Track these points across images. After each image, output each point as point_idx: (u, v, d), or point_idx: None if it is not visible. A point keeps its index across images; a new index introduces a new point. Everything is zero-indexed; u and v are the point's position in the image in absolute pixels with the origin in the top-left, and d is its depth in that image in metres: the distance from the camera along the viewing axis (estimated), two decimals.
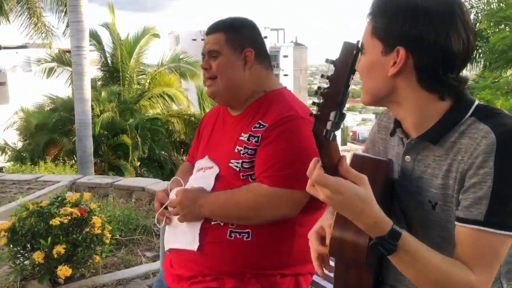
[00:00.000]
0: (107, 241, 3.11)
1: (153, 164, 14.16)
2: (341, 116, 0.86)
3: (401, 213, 1.21)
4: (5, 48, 28.82)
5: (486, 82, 8.58)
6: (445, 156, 1.09)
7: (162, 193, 1.77)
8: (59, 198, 3.10)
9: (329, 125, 0.86)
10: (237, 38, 1.66)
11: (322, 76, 0.87)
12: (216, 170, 1.66)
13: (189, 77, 16.35)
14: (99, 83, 16.21)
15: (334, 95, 0.85)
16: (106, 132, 13.34)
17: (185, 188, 1.68)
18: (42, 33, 12.16)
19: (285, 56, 48.08)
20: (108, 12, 15.11)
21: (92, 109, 11.60)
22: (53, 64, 15.57)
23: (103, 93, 14.24)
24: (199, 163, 1.76)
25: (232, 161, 1.62)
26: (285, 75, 47.10)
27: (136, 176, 12.72)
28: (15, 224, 2.93)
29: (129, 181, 5.60)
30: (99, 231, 3.02)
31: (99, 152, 13.13)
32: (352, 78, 0.88)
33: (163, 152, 14.37)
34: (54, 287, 3.01)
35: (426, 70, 1.07)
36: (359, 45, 0.88)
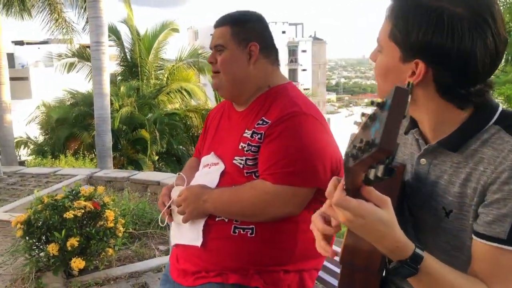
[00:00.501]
0: (120, 235, 3.16)
1: (171, 159, 14.28)
2: (389, 172, 0.76)
3: (410, 214, 1.17)
4: (28, 43, 29.37)
5: (507, 77, 8.39)
6: (464, 163, 1.04)
7: (166, 190, 1.77)
8: (74, 192, 3.15)
9: (371, 174, 0.78)
10: (243, 32, 1.64)
11: (372, 102, 0.80)
12: (221, 166, 1.66)
13: (207, 72, 16.36)
14: (118, 78, 16.39)
15: (386, 151, 0.75)
16: (125, 127, 13.50)
17: (188, 186, 1.68)
18: (62, 29, 12.31)
19: (304, 51, 47.68)
20: (125, 7, 15.24)
21: (112, 104, 11.76)
22: (74, 59, 15.80)
23: (122, 88, 14.40)
24: (205, 159, 1.76)
25: (236, 158, 1.61)
26: (304, 70, 46.75)
27: (154, 170, 12.85)
28: (31, 217, 2.99)
29: (145, 175, 5.66)
30: (112, 225, 3.06)
31: (118, 146, 13.31)
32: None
33: (181, 147, 14.49)
34: (68, 279, 3.06)
35: (446, 84, 1.00)
36: (410, 87, 0.82)
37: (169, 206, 1.73)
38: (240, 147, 1.61)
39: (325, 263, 1.80)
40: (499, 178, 0.97)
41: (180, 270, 1.70)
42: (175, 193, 1.71)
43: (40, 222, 2.99)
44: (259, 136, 1.58)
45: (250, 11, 1.73)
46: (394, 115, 0.76)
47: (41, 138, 15.60)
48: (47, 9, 12.10)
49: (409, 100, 0.78)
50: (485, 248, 0.99)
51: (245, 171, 1.59)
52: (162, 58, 16.30)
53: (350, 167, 0.82)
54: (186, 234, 1.67)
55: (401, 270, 0.95)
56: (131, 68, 15.86)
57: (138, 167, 12.80)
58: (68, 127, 13.87)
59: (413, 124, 1.16)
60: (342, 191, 0.89)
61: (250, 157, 1.58)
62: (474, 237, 1.02)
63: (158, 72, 16.29)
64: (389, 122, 0.75)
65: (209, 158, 1.73)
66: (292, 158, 1.52)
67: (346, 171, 0.86)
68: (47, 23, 12.13)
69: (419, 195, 1.13)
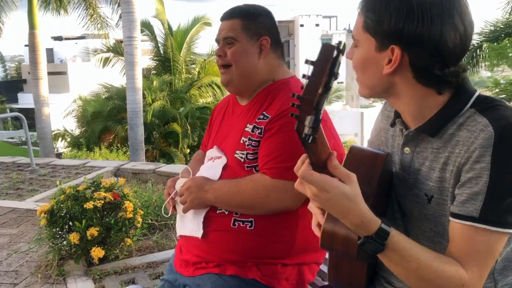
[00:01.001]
0: (139, 225, 3.23)
1: None
2: (317, 121, 0.82)
3: (398, 205, 1.19)
4: (66, 39, 30.27)
5: None
6: (443, 148, 1.05)
7: (171, 182, 1.81)
8: (95, 183, 3.24)
9: (306, 129, 0.83)
10: (254, 26, 1.65)
11: (304, 76, 0.84)
12: (224, 160, 1.68)
13: None
14: (153, 72, 16.67)
15: (310, 100, 0.82)
16: (157, 120, 13.74)
17: (192, 177, 1.71)
18: (97, 24, 12.62)
19: (340, 43, 46.54)
20: (157, 2, 15.44)
21: (144, 97, 11.98)
22: (109, 54, 16.18)
23: (155, 82, 14.64)
24: (209, 153, 1.79)
25: (237, 151, 1.63)
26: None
27: (186, 163, 13.03)
28: (53, 207, 3.10)
29: (170, 167, 5.75)
30: (131, 215, 3.14)
31: (151, 139, 13.57)
32: (334, 80, 0.83)
33: None
34: (89, 267, 3.16)
35: (422, 67, 1.03)
36: (341, 47, 0.83)
37: (174, 198, 1.76)
38: (241, 141, 1.63)
39: (327, 256, 1.78)
40: (471, 157, 0.98)
41: (182, 260, 1.73)
42: (179, 185, 1.75)
43: (63, 212, 3.10)
44: (259, 130, 1.59)
45: (258, 5, 1.73)
46: (318, 68, 0.82)
47: (77, 131, 16.08)
48: (83, 5, 12.41)
49: (339, 58, 0.82)
50: (460, 227, 1.00)
51: (245, 165, 1.61)
52: (194, 53, 16.46)
53: (298, 131, 0.86)
54: (188, 225, 1.70)
55: (367, 246, 0.97)
56: (164, 62, 16.10)
57: (170, 160, 13.03)
58: (103, 120, 14.23)
59: (397, 115, 1.17)
60: (307, 165, 0.93)
61: (251, 152, 1.60)
62: (450, 218, 1.03)
63: (190, 66, 16.46)
64: (314, 74, 0.82)
65: (213, 152, 1.75)
66: (290, 154, 1.52)
67: (303, 145, 0.89)
68: (82, 18, 12.45)
69: (404, 185, 1.14)
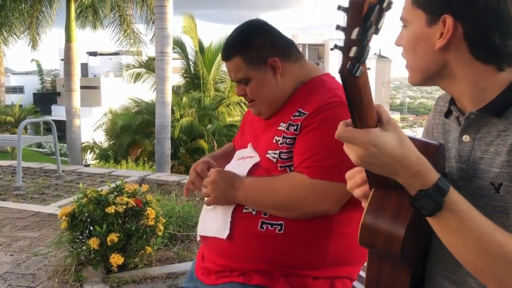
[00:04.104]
0: (160, 234, 3.13)
1: None
2: (366, 32, 0.68)
3: None
4: (101, 54, 31.10)
5: None
6: (511, 129, 0.92)
7: (203, 165, 1.68)
8: (118, 188, 3.17)
9: (352, 51, 0.69)
10: (255, 54, 1.52)
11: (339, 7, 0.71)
12: (255, 159, 1.57)
13: None
14: (182, 89, 16.86)
15: (357, 7, 0.68)
16: (185, 136, 13.80)
17: (219, 169, 1.58)
18: (130, 39, 12.88)
19: (368, 69, 46.54)
20: (189, 21, 15.72)
21: (173, 113, 12.06)
22: (141, 70, 16.47)
23: (184, 99, 14.78)
24: (240, 152, 1.68)
25: (269, 151, 1.51)
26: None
27: None
28: (75, 210, 3.04)
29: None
30: (152, 223, 3.04)
31: (177, 154, 13.61)
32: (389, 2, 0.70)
33: None
34: (107, 274, 3.06)
35: (479, 39, 0.91)
36: None
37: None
38: (274, 141, 1.51)
39: (361, 273, 1.63)
40: None
41: (203, 268, 1.61)
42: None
43: (84, 216, 3.03)
44: (295, 127, 1.47)
45: (248, 26, 1.59)
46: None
47: (105, 144, 16.31)
48: (118, 21, 12.72)
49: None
50: None
51: (279, 165, 1.49)
52: (224, 71, 16.60)
53: (341, 71, 0.73)
54: (212, 225, 1.57)
55: (422, 202, 0.82)
56: (193, 80, 16.27)
57: None
58: (131, 134, 14.39)
59: (451, 102, 1.03)
60: (344, 124, 0.82)
61: (285, 150, 1.47)
62: None
63: (219, 84, 16.58)
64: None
65: (246, 151, 1.64)
66: (331, 151, 1.39)
67: (346, 91, 0.76)
68: (116, 33, 12.74)
69: (463, 178, 0.99)
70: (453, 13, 0.90)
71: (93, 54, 32.68)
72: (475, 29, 0.90)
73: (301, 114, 1.48)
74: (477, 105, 0.96)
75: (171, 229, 3.69)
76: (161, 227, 3.13)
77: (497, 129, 0.94)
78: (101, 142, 16.59)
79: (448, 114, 1.06)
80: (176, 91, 15.92)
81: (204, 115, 14.71)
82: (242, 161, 1.62)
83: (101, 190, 3.19)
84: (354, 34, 0.69)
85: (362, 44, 0.69)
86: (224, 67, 16.50)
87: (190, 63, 16.43)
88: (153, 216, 3.06)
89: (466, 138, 0.99)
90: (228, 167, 1.66)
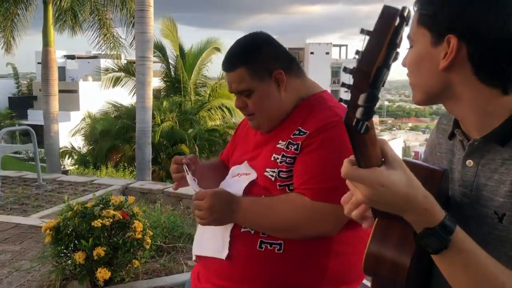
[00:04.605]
0: (147, 247, 3.07)
1: None
2: (372, 99, 0.66)
3: None
4: (79, 58, 30.63)
5: None
6: None
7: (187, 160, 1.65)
8: (104, 200, 3.11)
9: (358, 112, 0.67)
10: (260, 66, 1.50)
11: (357, 52, 0.69)
12: (253, 176, 1.54)
13: None
14: (162, 93, 16.72)
15: (366, 72, 0.66)
16: (165, 141, 13.68)
17: (215, 191, 1.53)
18: (110, 43, 12.70)
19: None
20: (169, 25, 15.62)
21: (154, 118, 11.94)
22: (120, 74, 16.27)
23: (164, 103, 14.66)
24: (236, 169, 1.64)
25: (267, 169, 1.48)
26: (346, 91, 46.17)
27: None
28: (60, 224, 2.96)
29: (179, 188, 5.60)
30: (139, 236, 2.98)
31: (158, 160, 13.46)
32: (395, 55, 0.68)
33: None
34: None
35: (482, 61, 0.90)
36: (405, 13, 0.68)
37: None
38: (272, 159, 1.49)
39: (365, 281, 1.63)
40: None
41: None
42: (190, 181, 1.60)
43: (69, 229, 2.95)
44: (295, 146, 1.45)
45: (252, 38, 1.57)
46: (376, 34, 0.67)
47: (84, 149, 16.05)
48: (97, 24, 12.53)
49: (403, 27, 0.68)
50: None
51: (277, 183, 1.46)
52: (205, 75, 16.55)
53: (346, 122, 0.70)
54: (209, 244, 1.54)
55: (428, 240, 0.81)
56: (174, 84, 16.16)
57: None
58: (111, 139, 14.20)
59: (456, 124, 1.02)
60: (349, 162, 0.79)
61: (284, 169, 1.45)
62: None
63: (200, 88, 16.51)
64: (370, 42, 0.67)
65: (241, 168, 1.60)
66: (332, 173, 1.36)
67: (351, 142, 0.74)
68: (95, 38, 12.55)
69: (468, 203, 0.98)
70: (457, 33, 0.89)
71: (71, 57, 32.17)
72: (479, 50, 0.89)
73: (301, 133, 1.46)
74: (481, 130, 0.96)
75: (158, 241, 3.63)
76: (149, 240, 3.07)
77: (502, 157, 0.93)
78: (79, 147, 16.32)
79: (451, 136, 1.05)
80: (156, 95, 15.77)
81: (185, 119, 14.61)
82: (238, 178, 1.59)
83: (86, 203, 3.12)
84: (361, 100, 0.67)
85: (369, 108, 0.68)
86: (205, 71, 16.48)
87: (171, 67, 16.32)
88: (140, 229, 3.00)
89: (470, 163, 0.98)
90: (223, 184, 1.63)
